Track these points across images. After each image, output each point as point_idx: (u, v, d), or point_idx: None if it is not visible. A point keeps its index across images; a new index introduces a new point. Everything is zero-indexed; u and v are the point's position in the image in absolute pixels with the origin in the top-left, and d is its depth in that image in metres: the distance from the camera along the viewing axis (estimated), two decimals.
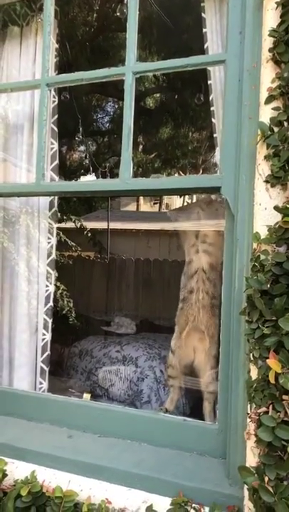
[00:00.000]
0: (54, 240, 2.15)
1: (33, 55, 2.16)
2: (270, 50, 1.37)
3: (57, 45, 2.14)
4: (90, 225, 6.75)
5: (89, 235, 6.33)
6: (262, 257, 1.32)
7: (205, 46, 1.83)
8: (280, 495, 1.15)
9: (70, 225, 5.85)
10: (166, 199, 16.15)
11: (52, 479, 1.57)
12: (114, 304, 6.33)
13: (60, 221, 5.38)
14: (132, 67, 1.73)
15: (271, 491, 1.17)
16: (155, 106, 7.60)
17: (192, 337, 2.25)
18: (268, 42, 1.39)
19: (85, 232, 6.26)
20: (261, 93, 1.41)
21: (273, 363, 1.18)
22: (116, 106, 7.69)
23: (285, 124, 1.35)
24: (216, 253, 2.18)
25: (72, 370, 4.03)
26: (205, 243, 2.24)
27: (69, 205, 7.99)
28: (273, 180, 1.36)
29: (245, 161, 1.48)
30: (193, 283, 2.23)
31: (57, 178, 2.12)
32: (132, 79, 1.72)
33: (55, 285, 4.30)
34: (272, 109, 1.38)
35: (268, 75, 1.39)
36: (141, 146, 8.98)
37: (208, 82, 1.84)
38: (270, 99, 1.38)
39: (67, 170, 8.48)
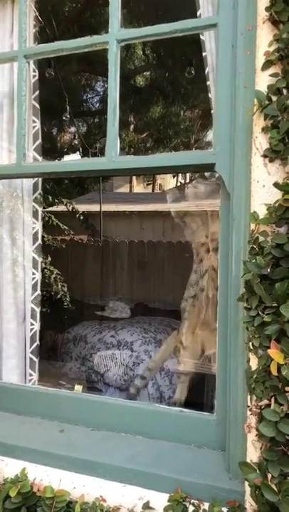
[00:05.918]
0: (39, 225, 2.02)
1: (10, 26, 2.00)
2: (266, 9, 1.24)
3: (36, 13, 1.98)
4: (82, 207, 6.63)
5: (81, 218, 6.21)
6: (261, 238, 1.22)
7: (198, 13, 1.69)
8: (285, 493, 1.08)
9: (62, 208, 5.71)
10: (159, 180, 15.92)
11: (43, 477, 1.50)
12: (109, 288, 6.23)
13: (51, 204, 5.26)
14: (116, 34, 1.58)
15: (275, 488, 1.09)
16: (145, 84, 7.38)
17: (203, 332, 2.27)
18: (264, 1, 1.26)
19: (78, 216, 6.13)
20: (257, 58, 1.28)
21: (275, 353, 1.09)
22: (106, 85, 7.47)
23: (285, 91, 1.22)
24: None
25: (66, 356, 3.97)
26: (215, 240, 2.16)
27: (61, 188, 7.84)
28: (272, 154, 1.25)
29: (241, 135, 1.35)
30: (204, 281, 2.23)
31: (40, 158, 1.98)
32: (116, 47, 1.58)
33: (49, 270, 4.23)
34: (269, 75, 1.25)
35: (264, 38, 1.26)
36: (132, 126, 8.79)
37: (203, 54, 1.69)
38: (267, 65, 1.25)
39: (57, 151, 8.28)
